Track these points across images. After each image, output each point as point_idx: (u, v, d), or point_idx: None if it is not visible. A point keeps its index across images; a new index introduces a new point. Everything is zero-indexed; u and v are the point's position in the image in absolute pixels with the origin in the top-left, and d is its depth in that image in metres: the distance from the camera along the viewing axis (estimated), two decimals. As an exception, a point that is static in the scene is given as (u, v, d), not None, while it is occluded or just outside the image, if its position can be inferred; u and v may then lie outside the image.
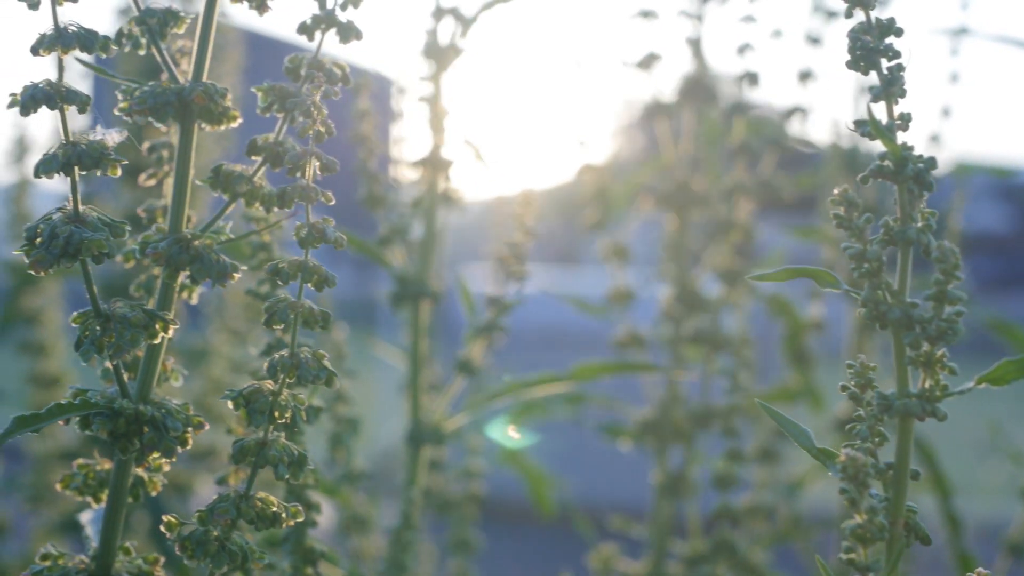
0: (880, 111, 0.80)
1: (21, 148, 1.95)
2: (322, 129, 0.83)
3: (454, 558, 1.61)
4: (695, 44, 1.55)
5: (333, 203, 0.84)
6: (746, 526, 1.42)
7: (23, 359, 1.94)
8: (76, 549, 2.10)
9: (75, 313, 0.83)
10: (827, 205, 1.71)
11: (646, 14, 1.49)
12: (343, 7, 0.87)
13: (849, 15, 0.80)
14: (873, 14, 0.79)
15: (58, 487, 0.91)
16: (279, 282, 0.82)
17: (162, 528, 0.84)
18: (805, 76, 1.59)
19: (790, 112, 1.56)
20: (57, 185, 2.14)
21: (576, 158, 1.64)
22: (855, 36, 0.79)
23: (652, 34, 1.53)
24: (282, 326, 0.83)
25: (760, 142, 1.49)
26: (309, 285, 0.82)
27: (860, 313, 0.78)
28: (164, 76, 0.91)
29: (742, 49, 1.49)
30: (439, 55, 1.22)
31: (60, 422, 0.83)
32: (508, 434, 1.58)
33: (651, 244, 1.68)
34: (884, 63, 0.79)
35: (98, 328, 0.83)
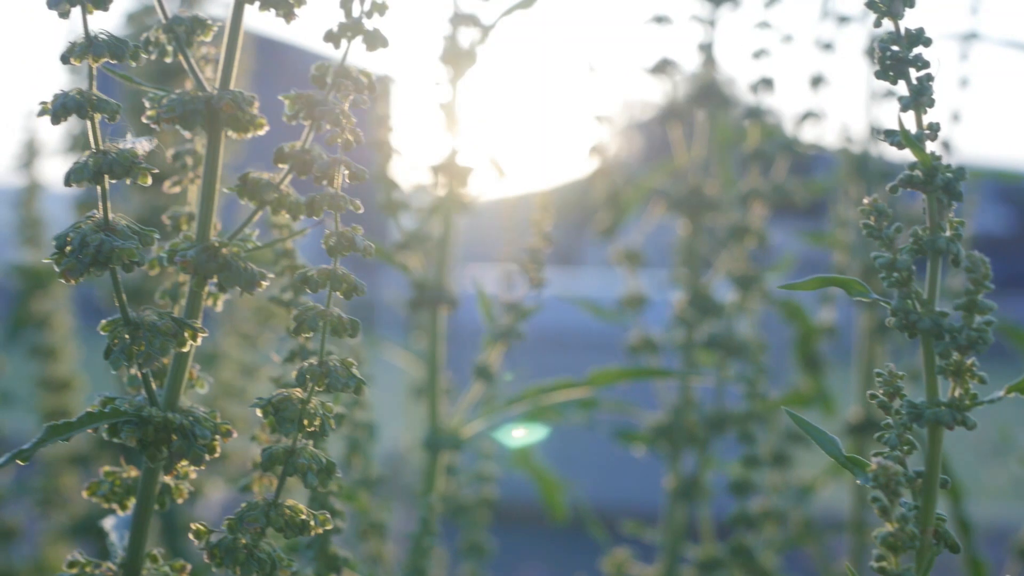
0: (908, 120, 0.80)
1: (30, 152, 1.95)
2: (351, 138, 0.83)
3: (467, 562, 1.61)
4: (707, 49, 1.55)
5: (362, 211, 0.85)
6: (759, 530, 1.42)
7: (32, 363, 1.94)
8: (87, 553, 2.10)
9: (104, 321, 0.83)
10: (838, 210, 1.72)
11: (660, 19, 1.50)
12: (368, 15, 0.88)
13: (878, 24, 0.80)
14: (902, 24, 0.79)
15: (84, 494, 0.91)
16: (307, 290, 0.82)
17: (191, 535, 0.84)
18: (817, 81, 1.60)
19: (803, 117, 1.56)
20: (64, 188, 2.13)
21: (587, 162, 1.64)
22: (884, 46, 0.79)
23: (664, 39, 1.53)
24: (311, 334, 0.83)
25: (773, 147, 1.49)
26: (338, 294, 0.82)
27: (890, 322, 0.78)
28: (190, 83, 0.92)
29: (758, 54, 1.50)
30: (457, 60, 1.23)
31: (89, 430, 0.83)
32: (514, 433, 1.58)
33: (657, 247, 1.68)
34: (913, 73, 0.79)
35: (127, 336, 0.83)
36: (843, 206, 1.68)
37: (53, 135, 2.14)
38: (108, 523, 0.99)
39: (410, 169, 1.31)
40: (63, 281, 0.80)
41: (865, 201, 0.78)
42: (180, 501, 0.91)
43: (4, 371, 1.83)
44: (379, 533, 1.26)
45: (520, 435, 1.57)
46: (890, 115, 1.67)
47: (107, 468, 0.91)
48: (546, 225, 1.23)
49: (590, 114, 1.68)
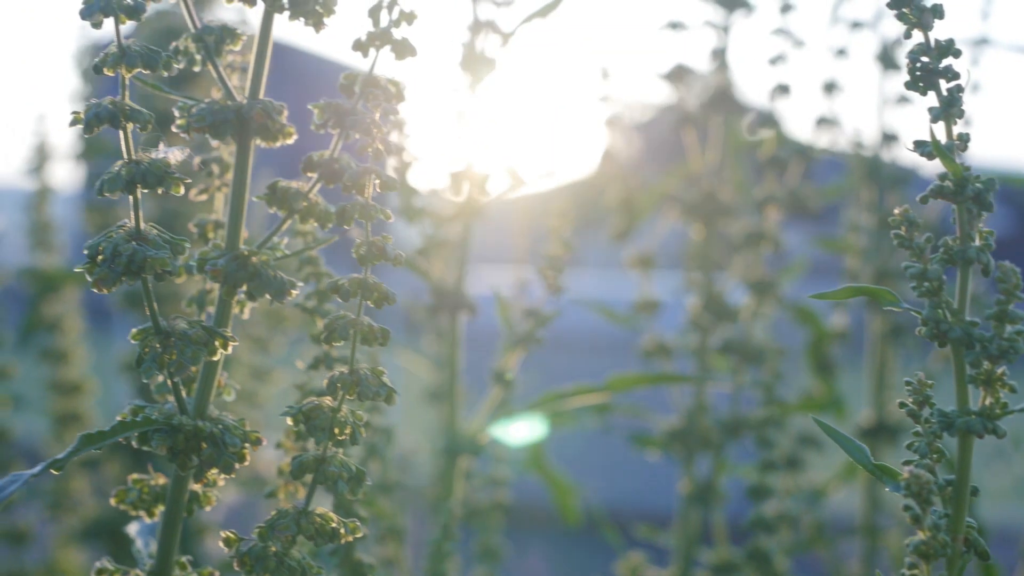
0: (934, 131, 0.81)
1: (42, 156, 1.95)
2: (381, 147, 0.83)
3: (480, 565, 1.61)
4: (721, 55, 1.55)
5: (391, 220, 0.85)
6: (776, 534, 1.42)
7: (43, 366, 1.94)
8: (95, 558, 2.10)
9: (134, 330, 0.83)
10: (850, 214, 1.73)
11: (675, 25, 1.50)
12: (396, 23, 0.88)
13: (908, 36, 0.80)
14: (932, 35, 0.79)
15: (112, 501, 0.92)
16: (338, 299, 0.83)
17: (221, 543, 0.85)
18: (830, 87, 1.60)
19: (818, 123, 1.57)
20: (71, 191, 2.13)
21: (589, 164, 1.65)
22: (914, 57, 0.79)
23: (678, 44, 1.54)
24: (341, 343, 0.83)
25: (788, 153, 1.50)
26: (369, 303, 0.82)
27: (921, 331, 0.78)
28: (217, 91, 0.92)
29: (774, 61, 1.50)
30: (476, 67, 1.23)
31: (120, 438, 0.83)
32: (518, 435, 1.58)
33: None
34: (943, 84, 0.79)
35: (157, 345, 0.83)
36: (855, 211, 1.68)
37: (63, 138, 2.15)
38: (132, 529, 0.99)
39: (428, 174, 1.31)
40: (95, 290, 0.80)
41: (896, 211, 0.78)
42: (208, 508, 0.91)
43: (16, 374, 1.83)
44: (397, 538, 1.26)
45: (523, 436, 1.57)
46: (902, 120, 1.67)
47: (135, 476, 0.91)
48: (565, 232, 1.24)
49: (601, 118, 1.69)
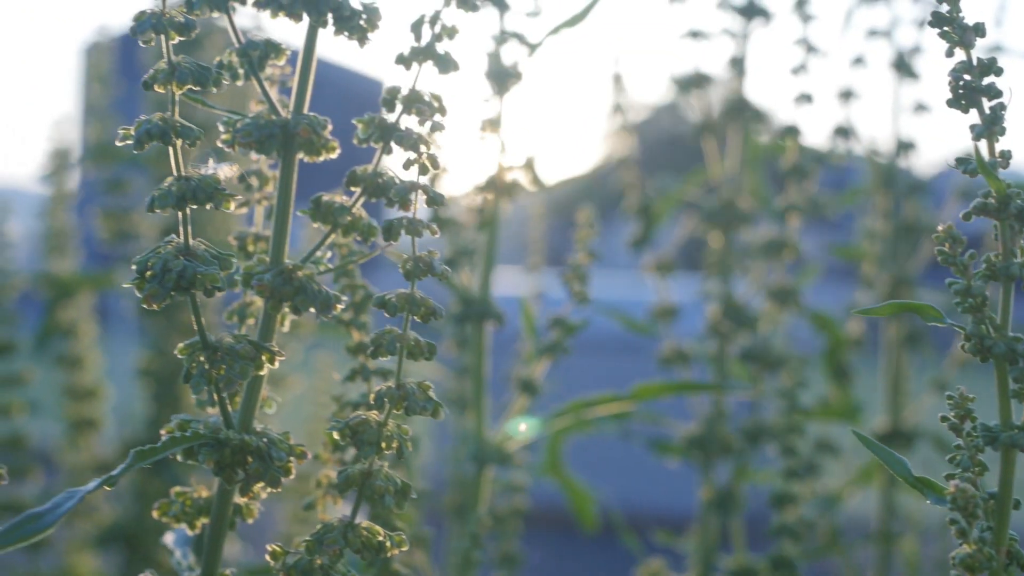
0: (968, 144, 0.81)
1: (59, 161, 1.95)
2: (428, 163, 0.84)
3: (499, 571, 1.62)
4: (739, 63, 1.56)
5: (438, 235, 0.85)
6: (800, 541, 1.43)
7: (58, 371, 1.94)
8: (107, 563, 2.08)
9: (181, 344, 0.84)
10: (865, 221, 1.74)
11: (696, 34, 1.51)
12: (438, 38, 0.89)
13: (950, 54, 0.81)
14: (974, 53, 0.80)
15: (155, 514, 0.92)
16: (386, 314, 0.83)
17: (267, 556, 0.85)
18: (847, 95, 1.61)
19: (835, 131, 1.58)
20: (79, 195, 2.11)
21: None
22: (957, 75, 0.80)
23: (698, 52, 1.54)
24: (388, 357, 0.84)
25: (808, 161, 1.51)
26: (416, 318, 0.83)
27: (964, 347, 0.79)
28: (255, 105, 0.93)
29: (796, 71, 1.51)
30: (503, 79, 1.23)
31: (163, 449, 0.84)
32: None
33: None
34: (985, 102, 0.80)
35: (203, 359, 0.83)
36: (871, 218, 1.69)
37: (75, 143, 2.14)
38: (169, 539, 1.00)
39: (452, 183, 1.32)
40: (145, 306, 0.81)
41: (940, 228, 0.79)
42: (250, 521, 0.92)
43: (33, 380, 1.84)
44: (424, 546, 1.27)
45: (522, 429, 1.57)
46: (918, 127, 1.68)
47: (177, 488, 0.92)
48: (591, 240, 1.25)
49: (616, 124, 1.69)
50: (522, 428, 1.30)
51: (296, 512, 1.84)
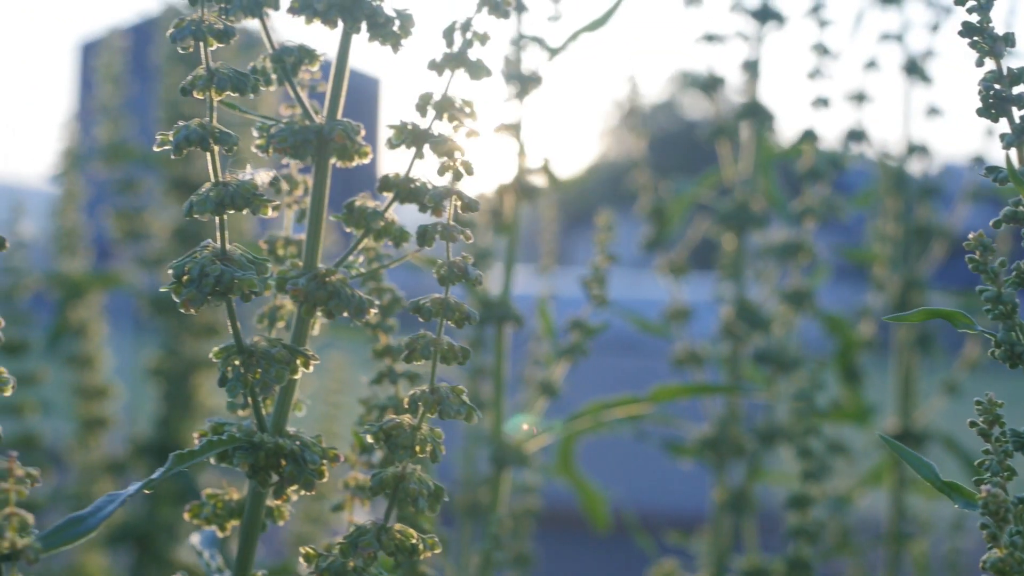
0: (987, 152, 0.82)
1: (68, 161, 1.96)
2: (462, 169, 0.85)
3: (512, 571, 1.63)
4: (752, 66, 1.57)
5: (471, 241, 0.86)
6: (818, 543, 1.44)
7: (69, 371, 1.95)
8: (117, 563, 2.08)
9: (216, 348, 0.84)
10: (876, 224, 1.75)
11: (711, 38, 1.52)
12: (469, 44, 0.89)
13: (980, 64, 0.82)
14: (1004, 63, 0.81)
15: (186, 516, 0.92)
16: (420, 319, 0.84)
17: (301, 559, 0.86)
18: (860, 98, 1.62)
19: (848, 135, 1.59)
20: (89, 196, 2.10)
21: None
22: (987, 85, 0.81)
23: (713, 56, 1.55)
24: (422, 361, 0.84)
25: (823, 165, 1.52)
26: (450, 322, 0.83)
27: (995, 353, 0.80)
28: (286, 109, 0.93)
29: (813, 75, 1.52)
30: (523, 84, 1.24)
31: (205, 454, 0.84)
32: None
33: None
34: (1015, 111, 0.81)
35: (238, 363, 0.84)
36: (881, 221, 1.70)
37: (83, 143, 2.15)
38: (195, 540, 1.00)
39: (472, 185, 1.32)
40: (183, 311, 0.81)
41: (971, 236, 0.80)
42: (281, 523, 0.92)
43: (46, 380, 1.84)
44: (443, 546, 1.27)
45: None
46: (930, 131, 1.69)
47: (209, 491, 0.92)
48: (609, 243, 1.25)
49: (630, 124, 1.70)
50: (525, 428, 1.30)
51: (308, 511, 1.84)
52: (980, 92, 0.82)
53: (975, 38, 0.81)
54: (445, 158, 0.84)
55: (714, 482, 1.57)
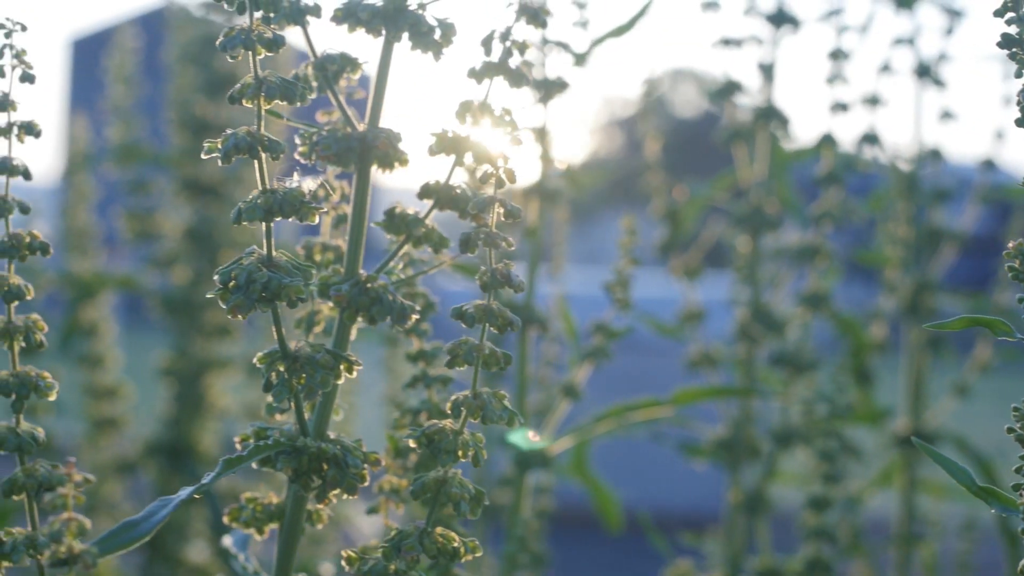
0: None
1: (78, 161, 1.96)
2: (505, 177, 0.86)
3: (527, 571, 1.63)
4: (768, 70, 1.58)
5: (514, 248, 0.87)
6: (837, 544, 1.45)
7: (80, 370, 1.95)
8: (127, 562, 2.08)
9: (260, 353, 0.85)
10: (888, 227, 1.76)
11: (728, 42, 1.53)
12: (509, 53, 0.90)
13: (1019, 75, 0.83)
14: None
15: (225, 520, 0.93)
16: (463, 325, 0.85)
17: (343, 562, 0.86)
18: (873, 102, 1.63)
19: (863, 138, 1.60)
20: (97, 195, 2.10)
21: (647, 179, 1.67)
22: (1029, 94, 0.82)
23: (728, 59, 1.56)
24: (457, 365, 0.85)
25: (840, 169, 1.53)
26: (493, 329, 0.84)
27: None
28: (322, 115, 0.94)
29: (832, 80, 1.53)
30: (547, 87, 1.25)
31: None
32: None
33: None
34: (1055, 121, 0.82)
35: (282, 368, 0.85)
36: (893, 224, 1.72)
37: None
38: (228, 542, 1.01)
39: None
40: (230, 317, 0.82)
41: (1010, 245, 0.81)
42: (320, 527, 0.93)
43: (59, 380, 1.84)
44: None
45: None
46: (943, 135, 1.71)
47: (248, 495, 0.93)
48: (633, 248, 1.26)
49: (647, 127, 1.71)
50: (533, 436, 1.31)
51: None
52: (1019, 102, 0.83)
53: (1015, 49, 0.82)
54: (488, 166, 0.85)
55: (729, 483, 1.58)
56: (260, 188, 0.82)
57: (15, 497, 0.89)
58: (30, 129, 0.85)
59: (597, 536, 1.88)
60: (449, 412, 0.85)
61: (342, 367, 0.86)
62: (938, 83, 1.65)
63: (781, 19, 1.56)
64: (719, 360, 1.62)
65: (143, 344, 2.18)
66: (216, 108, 1.96)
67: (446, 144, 0.87)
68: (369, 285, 0.87)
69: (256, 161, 0.82)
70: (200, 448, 1.93)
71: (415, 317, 0.87)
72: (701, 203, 1.66)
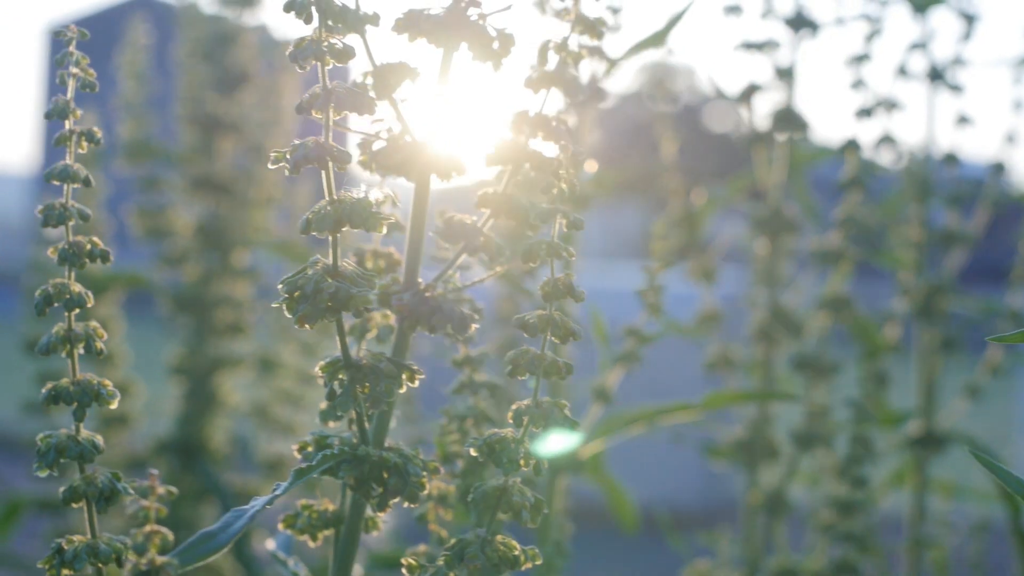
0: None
1: (87, 156, 1.95)
2: (565, 187, 0.86)
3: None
4: (787, 74, 1.59)
5: (574, 258, 0.87)
6: (865, 549, 1.47)
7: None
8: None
9: (322, 362, 0.85)
10: (901, 230, 1.77)
11: (750, 46, 1.54)
12: (565, 63, 0.91)
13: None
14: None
15: (280, 526, 0.93)
16: (525, 335, 0.85)
17: (403, 570, 0.87)
18: (890, 106, 1.64)
19: (879, 142, 1.61)
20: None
21: (664, 182, 1.68)
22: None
23: (747, 63, 1.57)
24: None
25: (863, 173, 1.54)
26: (555, 339, 0.85)
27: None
28: (379, 122, 0.94)
29: (856, 86, 1.54)
30: (589, 95, 1.25)
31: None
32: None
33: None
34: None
35: (344, 377, 0.85)
36: (906, 226, 1.73)
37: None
38: (271, 545, 1.01)
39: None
40: (297, 327, 0.82)
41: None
42: (376, 534, 0.94)
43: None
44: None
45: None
46: (957, 138, 1.72)
47: (303, 501, 0.93)
48: (666, 252, 1.27)
49: (661, 128, 1.72)
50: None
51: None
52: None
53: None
54: (551, 177, 0.86)
55: (747, 484, 1.59)
56: (328, 198, 0.82)
57: (74, 505, 0.89)
58: (91, 137, 0.86)
59: (598, 536, 1.90)
60: (511, 421, 0.85)
61: (404, 376, 0.86)
62: (953, 87, 1.66)
63: (800, 23, 1.57)
64: (738, 362, 1.63)
65: (148, 339, 2.18)
66: (227, 104, 1.96)
67: (506, 154, 0.88)
68: (428, 294, 0.87)
69: (323, 171, 0.82)
70: (211, 446, 1.92)
71: (475, 326, 0.87)
72: (717, 206, 1.67)
